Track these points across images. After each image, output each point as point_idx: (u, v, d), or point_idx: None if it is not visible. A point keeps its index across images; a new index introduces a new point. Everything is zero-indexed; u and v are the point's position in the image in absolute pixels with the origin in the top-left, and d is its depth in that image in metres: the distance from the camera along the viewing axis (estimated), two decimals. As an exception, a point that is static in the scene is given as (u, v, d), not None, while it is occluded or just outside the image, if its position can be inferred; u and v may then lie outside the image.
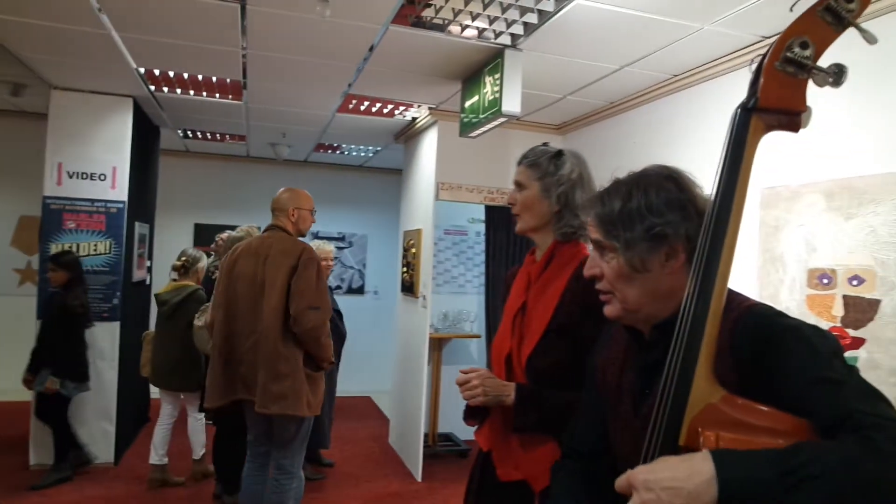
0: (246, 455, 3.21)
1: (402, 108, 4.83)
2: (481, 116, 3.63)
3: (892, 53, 2.42)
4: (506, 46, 3.32)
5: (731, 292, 1.02)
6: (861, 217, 2.57)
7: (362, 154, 7.02)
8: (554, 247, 1.78)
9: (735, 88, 3.28)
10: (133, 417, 5.33)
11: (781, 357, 0.93)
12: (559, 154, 1.79)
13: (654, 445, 0.92)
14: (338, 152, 6.94)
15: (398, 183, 7.74)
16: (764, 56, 0.98)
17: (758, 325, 0.98)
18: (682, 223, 1.07)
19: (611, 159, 4.19)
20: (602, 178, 1.67)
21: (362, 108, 4.86)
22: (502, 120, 3.45)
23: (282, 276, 2.92)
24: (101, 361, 4.65)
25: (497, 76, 3.39)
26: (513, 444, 1.73)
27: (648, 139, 4.03)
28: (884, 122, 2.49)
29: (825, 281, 2.68)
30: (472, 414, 1.88)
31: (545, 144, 1.88)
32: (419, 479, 4.74)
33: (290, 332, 2.91)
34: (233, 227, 6.44)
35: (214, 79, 4.26)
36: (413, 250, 5.18)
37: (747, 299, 1.07)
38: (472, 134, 3.90)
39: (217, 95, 4.68)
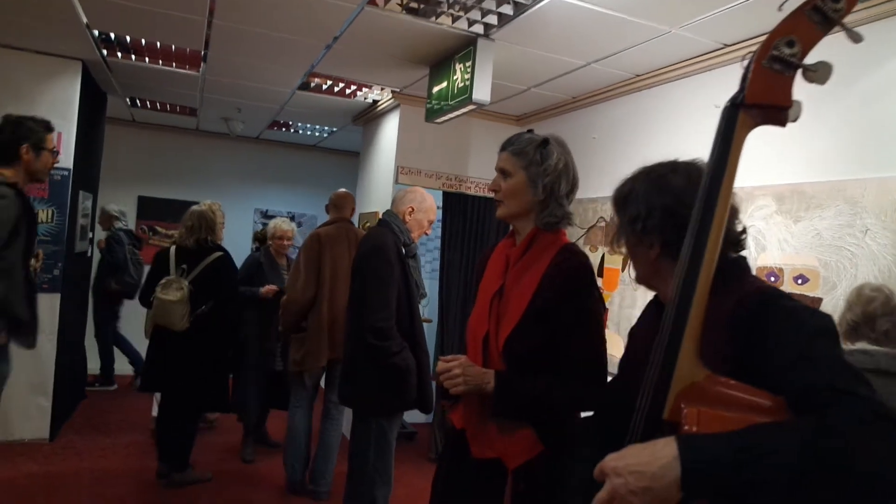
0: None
1: (364, 89, 4.80)
2: (450, 103, 3.65)
3: (840, 69, 2.58)
4: (479, 35, 3.35)
5: (750, 276, 1.09)
6: (808, 220, 2.74)
7: (317, 134, 6.92)
8: (535, 233, 1.79)
9: (695, 92, 3.42)
10: (70, 392, 5.14)
11: (769, 334, 0.99)
12: (546, 142, 1.79)
13: (640, 417, 0.99)
14: (291, 131, 6.82)
15: (351, 165, 7.70)
16: (754, 54, 1.03)
17: (758, 303, 1.04)
18: (665, 220, 1.16)
19: (570, 153, 4.29)
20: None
21: (324, 87, 4.80)
22: (471, 107, 3.48)
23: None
24: (40, 334, 4.44)
25: (468, 64, 3.41)
26: (489, 425, 1.75)
27: (607, 135, 4.14)
28: (833, 133, 2.66)
29: (772, 279, 2.84)
30: (447, 395, 1.91)
31: (529, 132, 1.89)
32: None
33: None
34: (180, 202, 6.32)
35: (173, 47, 4.12)
36: (369, 233, 5.17)
37: (762, 283, 1.13)
38: (438, 120, 3.91)
39: (173, 65, 4.53)
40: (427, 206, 2.96)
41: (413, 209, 2.91)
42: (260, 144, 7.53)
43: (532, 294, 1.72)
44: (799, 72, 1.01)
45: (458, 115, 3.74)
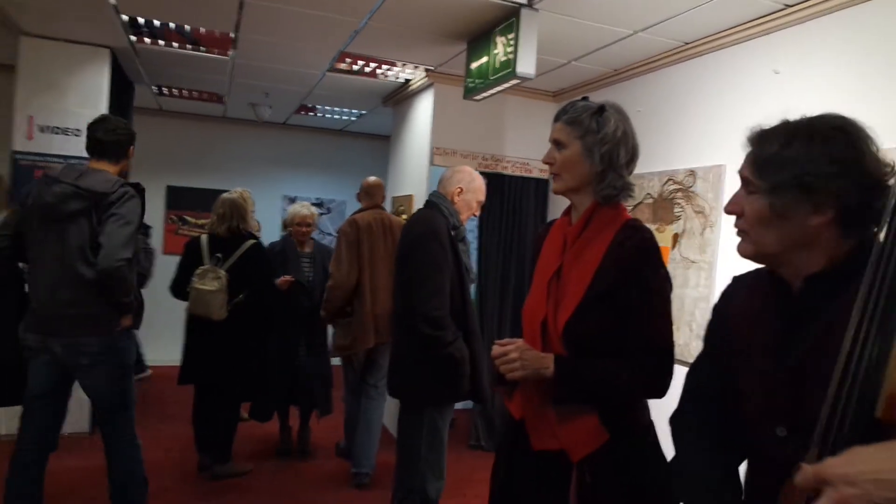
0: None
1: (396, 69, 4.66)
2: (491, 79, 3.50)
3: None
4: (522, 5, 3.20)
5: None
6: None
7: (344, 118, 6.81)
8: (593, 208, 1.66)
9: (751, 58, 3.23)
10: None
11: None
12: (602, 109, 1.66)
13: (844, 415, 0.86)
14: (318, 115, 6.72)
15: (379, 149, 7.58)
16: None
17: None
18: (837, 179, 1.00)
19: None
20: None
21: (355, 67, 4.67)
22: (515, 82, 3.33)
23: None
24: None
25: (511, 36, 3.26)
26: (548, 414, 1.64)
27: (653, 109, 3.96)
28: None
29: None
30: (503, 381, 1.79)
31: (584, 98, 1.75)
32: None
33: None
34: (208, 191, 6.24)
35: (203, 30, 4.01)
36: (404, 216, 5.06)
37: None
38: (478, 97, 3.78)
39: (202, 49, 4.43)
40: (476, 185, 2.82)
41: (462, 189, 2.78)
42: (287, 130, 7.44)
43: (593, 274, 1.60)
44: None
45: (499, 91, 3.60)
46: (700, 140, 3.49)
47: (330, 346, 4.29)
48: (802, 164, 1.02)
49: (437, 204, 2.74)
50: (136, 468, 2.90)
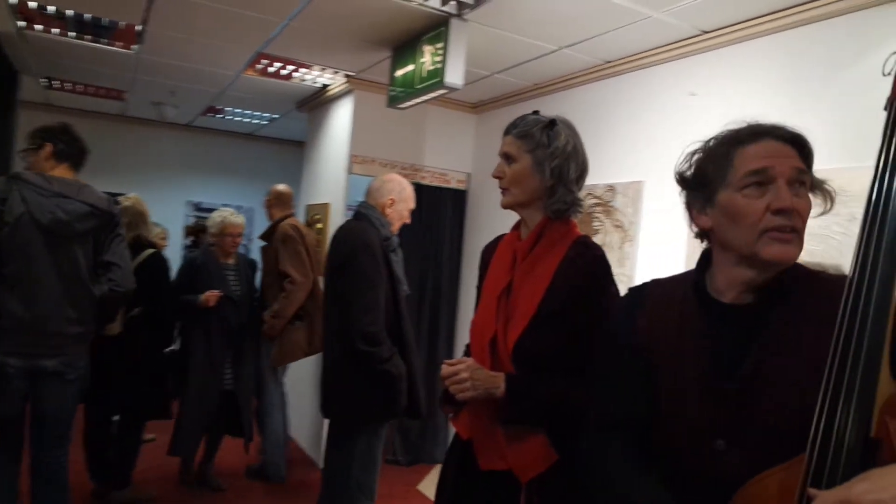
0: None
1: (315, 73, 4.52)
2: (417, 87, 3.45)
3: (828, 61, 2.58)
4: (452, 15, 3.17)
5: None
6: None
7: (255, 122, 6.55)
8: (544, 223, 1.66)
9: (669, 79, 3.36)
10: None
11: None
12: (552, 123, 1.65)
13: (837, 442, 0.86)
14: (228, 118, 6.42)
15: (291, 154, 7.37)
16: None
17: None
18: None
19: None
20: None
21: (271, 70, 4.48)
22: (443, 92, 3.30)
23: None
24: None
25: (440, 45, 3.22)
26: (497, 434, 1.61)
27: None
28: (821, 123, 2.63)
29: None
30: (451, 400, 1.74)
31: (535, 113, 1.75)
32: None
33: None
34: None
35: (106, 20, 3.71)
36: (319, 225, 4.90)
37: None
38: (402, 105, 3.71)
39: (103, 41, 4.11)
40: (407, 194, 2.75)
41: (394, 200, 2.70)
42: (192, 132, 7.07)
43: (544, 292, 1.59)
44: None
45: (425, 101, 3.55)
46: (619, 157, 3.59)
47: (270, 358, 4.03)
48: None
49: (368, 215, 2.64)
50: (67, 497, 2.74)
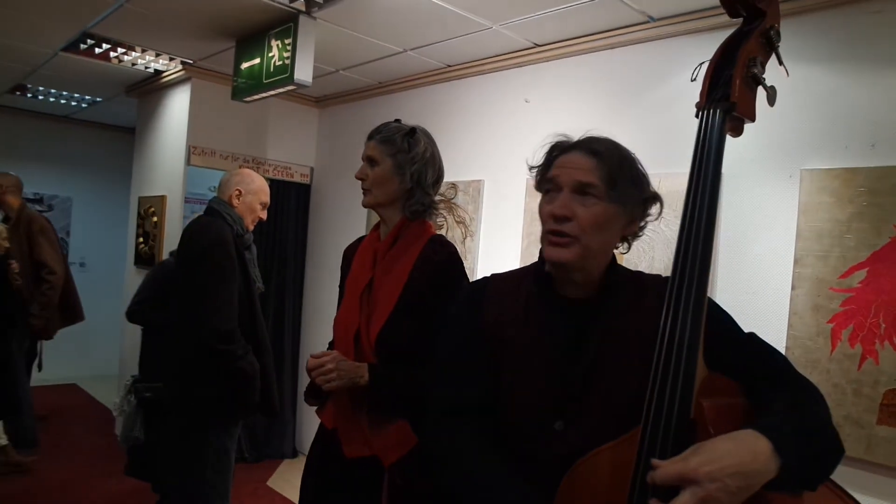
0: None
1: (148, 58, 4.26)
2: (265, 82, 3.41)
3: (637, 81, 2.97)
4: (300, 12, 3.18)
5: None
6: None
7: (73, 104, 5.98)
8: (402, 224, 1.81)
9: (505, 86, 3.64)
10: None
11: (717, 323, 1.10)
12: (413, 132, 1.83)
13: (667, 421, 0.98)
14: (39, 98, 5.80)
15: (117, 140, 6.85)
16: (718, 65, 1.11)
17: None
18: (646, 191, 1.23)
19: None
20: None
21: (98, 51, 4.15)
22: (291, 88, 3.30)
23: None
24: None
25: (288, 41, 3.22)
26: (361, 422, 1.72)
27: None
28: (631, 135, 3.03)
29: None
30: (315, 394, 1.83)
31: (397, 121, 1.91)
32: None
33: None
34: None
35: None
36: (154, 219, 4.65)
37: None
38: (249, 99, 3.65)
39: None
40: (256, 186, 2.74)
41: (241, 192, 2.68)
42: (-5, 112, 6.30)
43: (402, 287, 1.74)
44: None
45: (273, 95, 3.52)
46: (461, 156, 3.82)
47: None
48: (643, 183, 1.21)
49: (219, 211, 2.60)
50: None
